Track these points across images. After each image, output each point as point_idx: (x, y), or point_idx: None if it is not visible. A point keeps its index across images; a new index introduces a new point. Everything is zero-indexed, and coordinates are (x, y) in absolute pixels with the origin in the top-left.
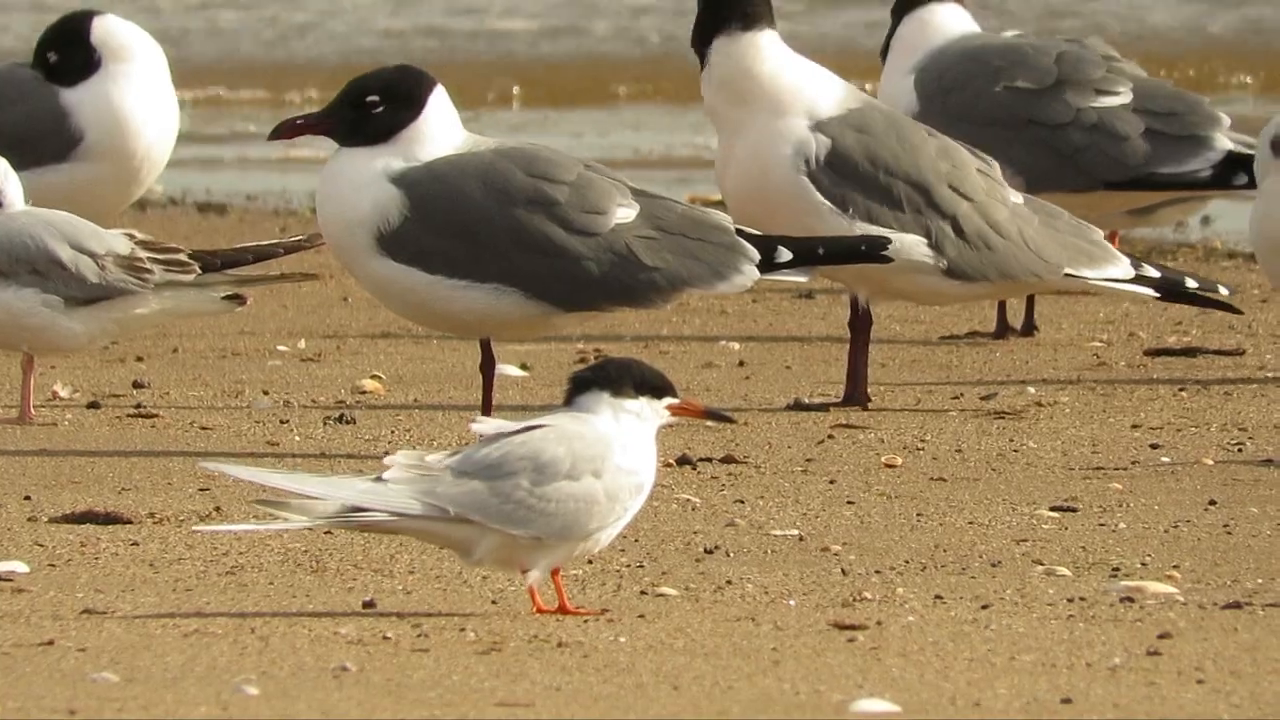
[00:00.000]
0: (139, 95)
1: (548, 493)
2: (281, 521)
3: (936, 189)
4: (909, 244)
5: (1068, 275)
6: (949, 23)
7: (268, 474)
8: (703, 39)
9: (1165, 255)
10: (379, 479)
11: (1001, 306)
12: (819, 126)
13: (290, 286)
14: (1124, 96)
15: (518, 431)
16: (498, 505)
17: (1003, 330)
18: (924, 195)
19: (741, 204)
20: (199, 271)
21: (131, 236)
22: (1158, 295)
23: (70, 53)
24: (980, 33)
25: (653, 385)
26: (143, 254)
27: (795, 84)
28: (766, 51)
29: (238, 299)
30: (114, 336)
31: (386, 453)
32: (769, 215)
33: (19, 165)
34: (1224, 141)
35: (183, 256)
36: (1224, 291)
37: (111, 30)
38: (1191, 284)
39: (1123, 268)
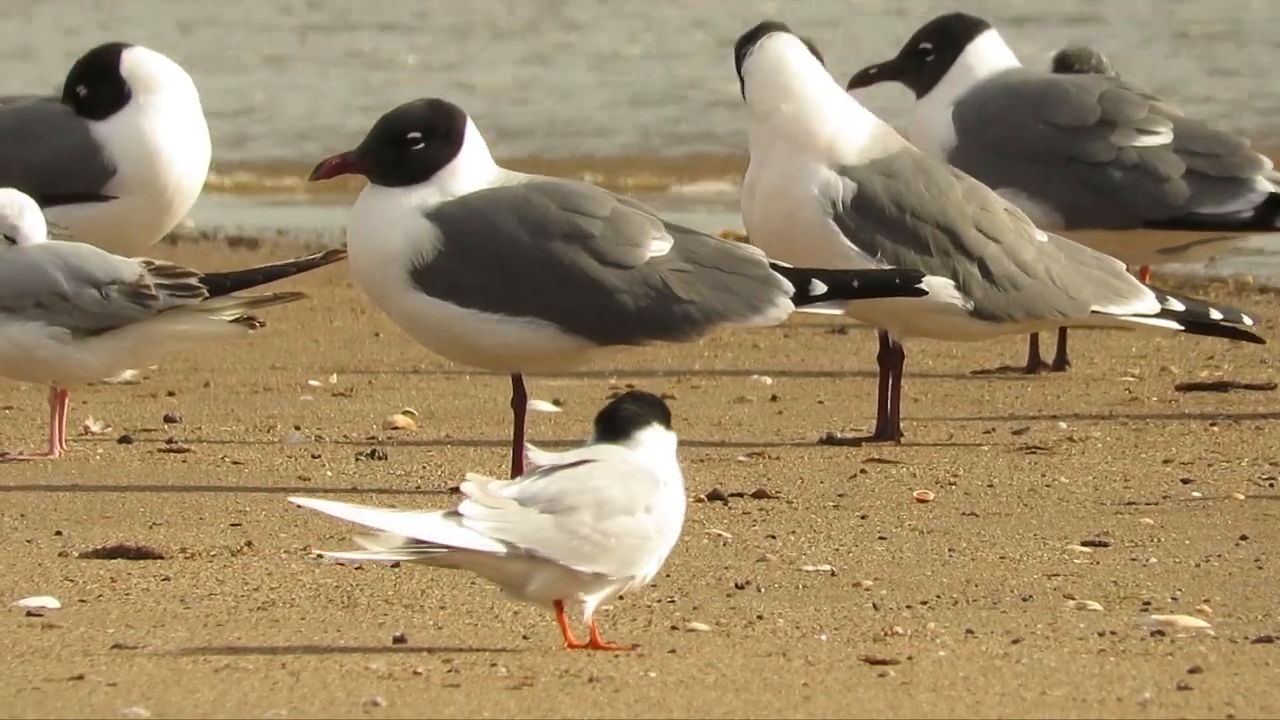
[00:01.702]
0: (170, 127)
1: (608, 528)
2: (364, 552)
3: (964, 231)
4: (937, 286)
5: (1095, 313)
6: (991, 57)
7: (355, 511)
8: (753, 34)
9: (1197, 290)
10: (453, 513)
11: (1034, 341)
12: (845, 170)
13: (323, 320)
14: (1165, 136)
15: (570, 465)
16: (565, 541)
17: (1034, 365)
18: (951, 238)
19: (766, 242)
20: (207, 295)
21: (149, 264)
22: (1182, 328)
23: (100, 86)
24: (1021, 68)
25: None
26: (150, 280)
27: (823, 120)
28: (819, 72)
29: (250, 322)
30: (130, 365)
31: (418, 488)
32: (795, 256)
33: (53, 200)
34: (1265, 184)
35: (192, 281)
36: (1248, 321)
37: (140, 62)
38: (1216, 315)
39: (1148, 302)
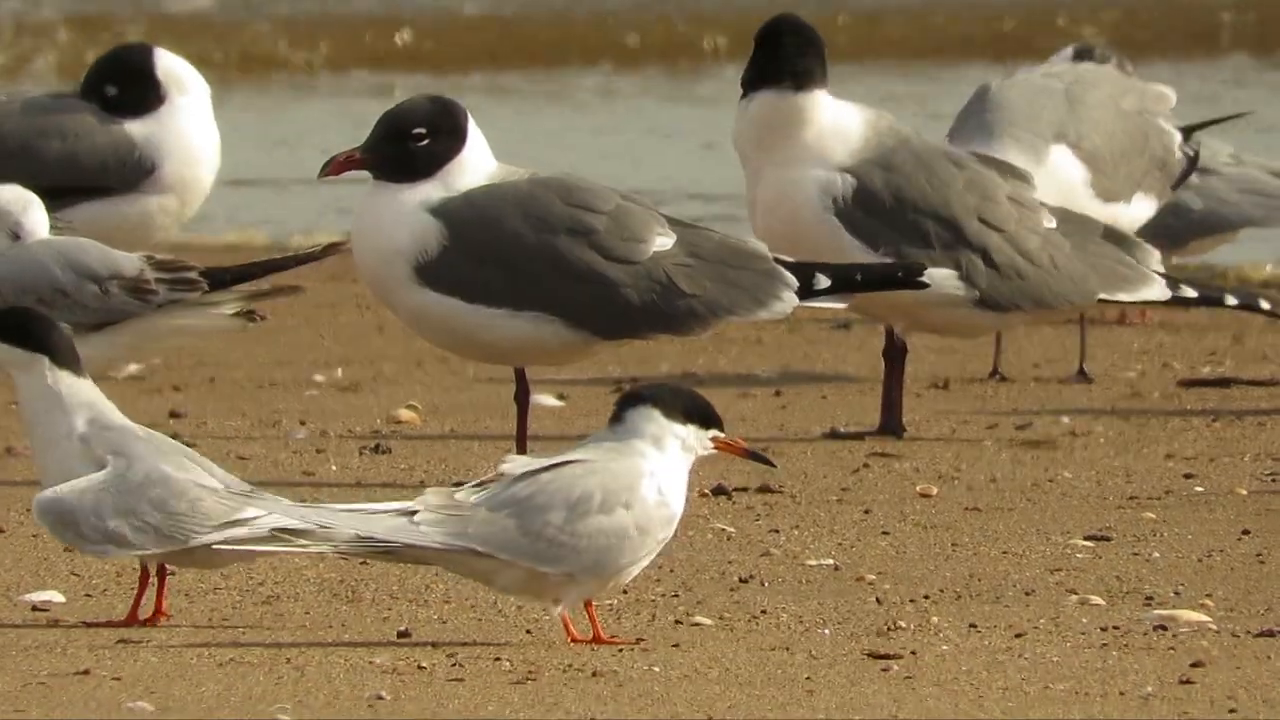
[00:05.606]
0: (200, 127)
1: (579, 529)
2: (304, 546)
3: (966, 223)
4: (940, 278)
5: (1102, 300)
6: None
7: (301, 510)
8: (752, 83)
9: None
10: (408, 513)
11: (1082, 343)
12: (843, 168)
13: (328, 316)
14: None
15: (548, 468)
16: (529, 544)
17: (1081, 371)
18: (953, 230)
19: (772, 244)
20: (207, 289)
21: (149, 258)
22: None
23: (136, 86)
24: None
25: (703, 414)
26: (150, 274)
27: (829, 136)
28: (812, 114)
29: (250, 315)
30: (129, 359)
31: (422, 483)
32: (800, 254)
33: (83, 197)
34: None
35: (192, 275)
36: (1265, 305)
37: (173, 64)
38: (1231, 301)
39: (1158, 289)
